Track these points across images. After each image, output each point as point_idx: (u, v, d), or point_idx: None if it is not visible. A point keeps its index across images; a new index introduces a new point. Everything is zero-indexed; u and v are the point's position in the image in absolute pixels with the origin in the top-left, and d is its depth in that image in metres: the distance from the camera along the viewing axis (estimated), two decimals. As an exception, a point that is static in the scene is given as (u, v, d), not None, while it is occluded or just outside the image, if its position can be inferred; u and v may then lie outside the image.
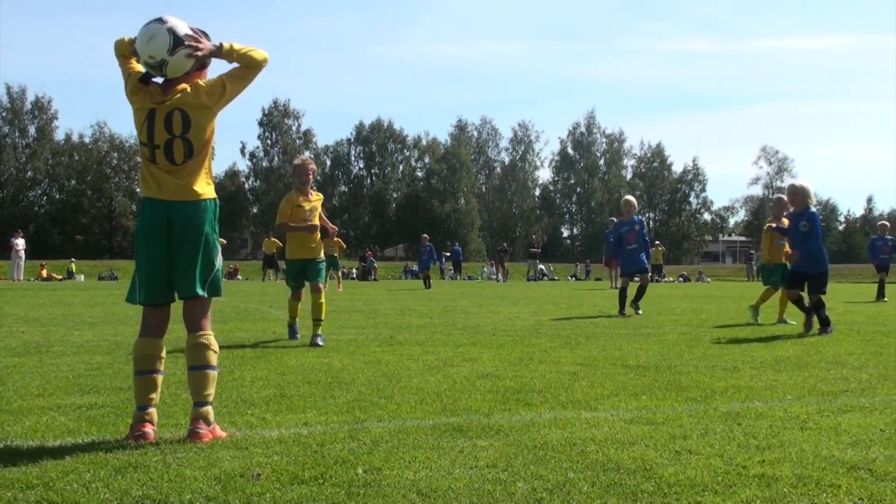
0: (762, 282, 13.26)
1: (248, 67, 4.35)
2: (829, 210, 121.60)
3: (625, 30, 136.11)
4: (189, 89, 4.26)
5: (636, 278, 14.65)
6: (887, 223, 22.00)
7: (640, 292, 14.09)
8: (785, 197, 12.53)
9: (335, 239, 27.05)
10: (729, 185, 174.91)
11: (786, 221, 12.51)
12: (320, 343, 8.71)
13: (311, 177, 9.41)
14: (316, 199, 9.52)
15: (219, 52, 4.32)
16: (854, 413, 4.90)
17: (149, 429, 4.12)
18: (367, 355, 7.82)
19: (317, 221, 9.39)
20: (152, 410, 4.20)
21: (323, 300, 9.13)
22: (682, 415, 4.83)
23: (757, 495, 3.22)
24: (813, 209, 10.46)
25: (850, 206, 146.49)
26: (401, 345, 8.79)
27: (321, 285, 9.24)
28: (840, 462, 3.71)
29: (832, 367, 7.00)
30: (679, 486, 3.35)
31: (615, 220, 31.77)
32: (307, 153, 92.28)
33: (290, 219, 9.28)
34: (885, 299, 19.13)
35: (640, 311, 13.88)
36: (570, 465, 3.66)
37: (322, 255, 9.49)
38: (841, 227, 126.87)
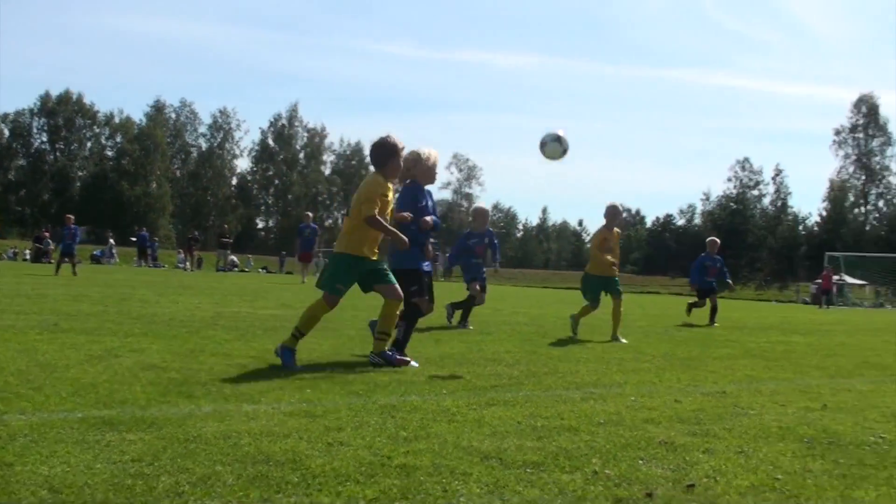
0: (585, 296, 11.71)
1: None
2: (510, 218, 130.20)
3: (330, 26, 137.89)
4: None
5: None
6: (717, 240, 17.73)
7: (468, 306, 12.52)
8: (619, 204, 11.85)
9: None
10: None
11: (616, 233, 11.62)
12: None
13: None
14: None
15: None
16: (498, 406, 5.29)
17: None
18: (23, 343, 7.29)
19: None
20: None
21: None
22: (341, 408, 4.97)
23: (395, 484, 3.39)
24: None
25: (528, 215, 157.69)
26: (65, 333, 8.28)
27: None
28: (476, 451, 4.00)
29: (489, 364, 7.51)
30: (324, 476, 3.45)
31: (310, 214, 31.67)
32: None
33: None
34: (716, 324, 15.87)
35: (471, 327, 12.09)
36: (219, 457, 3.65)
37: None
38: (519, 235, 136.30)
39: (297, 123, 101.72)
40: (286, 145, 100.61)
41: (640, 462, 3.98)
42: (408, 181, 7.82)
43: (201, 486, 3.24)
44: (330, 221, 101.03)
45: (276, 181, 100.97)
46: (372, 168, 7.46)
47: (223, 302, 14.83)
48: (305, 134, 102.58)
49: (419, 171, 7.78)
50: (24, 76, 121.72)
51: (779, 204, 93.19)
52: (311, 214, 30.66)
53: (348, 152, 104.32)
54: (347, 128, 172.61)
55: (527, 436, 4.43)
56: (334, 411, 4.84)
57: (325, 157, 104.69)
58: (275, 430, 4.25)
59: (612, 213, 11.61)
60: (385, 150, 7.22)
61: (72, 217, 26.33)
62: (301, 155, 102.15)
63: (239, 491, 3.20)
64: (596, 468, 3.81)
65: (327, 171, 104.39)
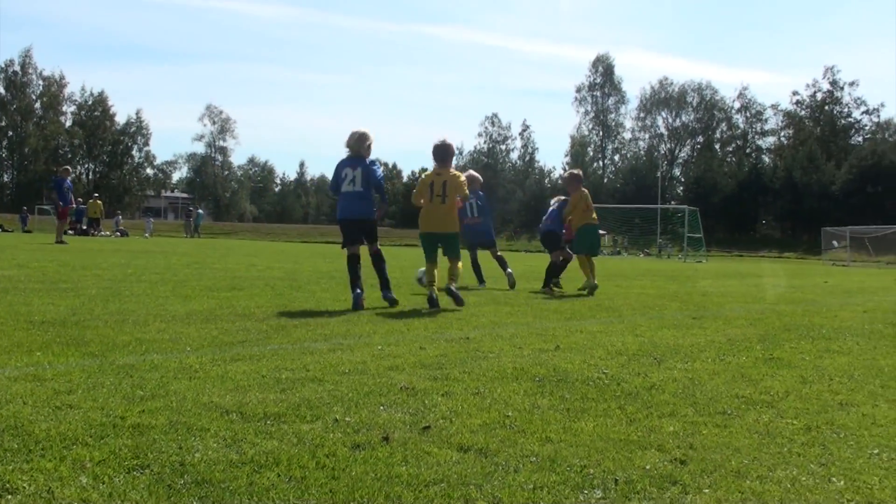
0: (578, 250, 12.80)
1: None
2: (267, 172, 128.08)
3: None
4: None
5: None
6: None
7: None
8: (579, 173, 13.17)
9: None
10: (173, 141, 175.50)
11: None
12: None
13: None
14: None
15: None
16: (244, 361, 5.23)
17: None
18: None
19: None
20: None
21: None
22: (74, 370, 4.72)
23: (127, 444, 3.27)
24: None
25: (286, 169, 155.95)
26: None
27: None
28: (217, 407, 3.93)
29: (238, 320, 7.39)
30: (49, 440, 3.27)
31: (69, 167, 29.35)
32: None
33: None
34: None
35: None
36: (-71, 428, 3.36)
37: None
38: (277, 189, 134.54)
39: (31, 70, 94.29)
40: (20, 94, 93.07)
41: (381, 408, 4.08)
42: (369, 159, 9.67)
43: None
44: (72, 176, 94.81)
45: (10, 133, 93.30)
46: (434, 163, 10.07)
47: (-54, 263, 13.61)
48: (41, 82, 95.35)
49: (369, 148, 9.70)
50: None
51: (527, 158, 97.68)
52: (69, 168, 28.53)
53: (90, 102, 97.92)
54: (90, 77, 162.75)
55: (270, 388, 4.41)
56: (66, 374, 4.59)
57: (64, 108, 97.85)
58: (-4, 396, 3.98)
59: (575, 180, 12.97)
60: (452, 151, 10.13)
61: None
62: (37, 105, 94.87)
63: (-52, 463, 2.97)
64: (337, 416, 3.86)
65: (68, 123, 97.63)
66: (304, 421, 3.76)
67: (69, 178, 26.47)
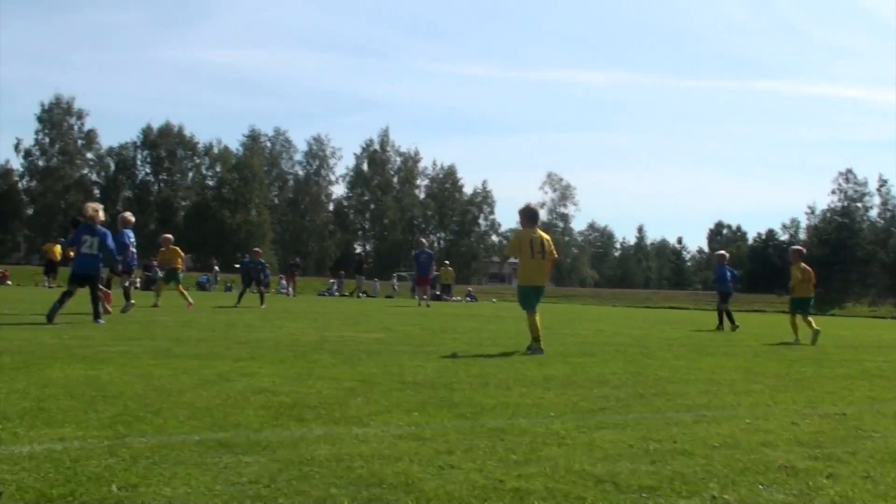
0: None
1: None
2: (607, 237, 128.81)
3: (413, 51, 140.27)
4: None
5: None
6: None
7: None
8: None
9: (172, 247, 23.01)
10: (516, 209, 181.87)
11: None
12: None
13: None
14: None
15: None
16: (608, 430, 5.20)
17: None
18: (138, 368, 7.51)
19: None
20: None
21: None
22: (449, 431, 4.97)
23: (510, 508, 3.36)
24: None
25: (625, 234, 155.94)
26: (177, 358, 8.51)
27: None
28: (589, 476, 3.93)
29: (595, 387, 7.40)
30: (437, 499, 3.44)
31: (424, 240, 32.55)
32: (88, 154, 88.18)
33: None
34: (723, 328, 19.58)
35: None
36: (334, 480, 3.68)
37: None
38: (617, 254, 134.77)
39: (389, 148, 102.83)
40: (380, 170, 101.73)
41: (761, 487, 3.86)
42: None
43: (318, 508, 3.27)
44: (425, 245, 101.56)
45: (372, 206, 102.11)
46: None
47: (326, 326, 15.05)
48: (398, 158, 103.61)
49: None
50: (127, 111, 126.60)
51: (887, 216, 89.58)
52: (425, 241, 31.71)
53: (441, 175, 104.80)
54: (440, 151, 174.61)
55: (640, 459, 4.34)
56: (443, 434, 4.84)
57: (418, 181, 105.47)
58: (386, 452, 4.27)
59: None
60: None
61: (259, 251, 25.53)
62: (395, 179, 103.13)
63: (355, 514, 3.21)
64: (714, 493, 3.70)
65: (421, 195, 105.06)
66: (680, 496, 3.65)
67: (424, 248, 29.34)
